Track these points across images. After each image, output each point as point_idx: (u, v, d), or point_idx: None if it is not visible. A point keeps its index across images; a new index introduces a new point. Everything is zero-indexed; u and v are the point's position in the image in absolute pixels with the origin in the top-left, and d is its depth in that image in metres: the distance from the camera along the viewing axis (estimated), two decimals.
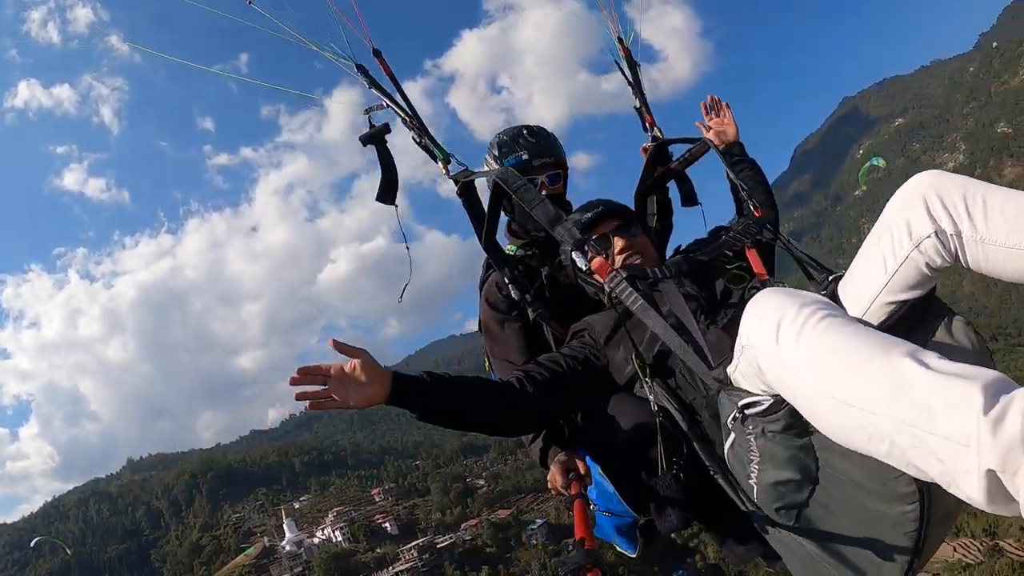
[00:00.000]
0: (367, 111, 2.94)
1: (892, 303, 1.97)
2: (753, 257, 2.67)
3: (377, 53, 3.14)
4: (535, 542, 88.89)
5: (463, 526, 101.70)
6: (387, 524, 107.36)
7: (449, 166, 2.95)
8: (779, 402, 1.74)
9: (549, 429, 2.74)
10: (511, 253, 3.18)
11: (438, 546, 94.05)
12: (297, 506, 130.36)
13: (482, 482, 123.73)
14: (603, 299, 2.49)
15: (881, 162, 55.89)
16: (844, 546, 1.89)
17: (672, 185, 3.48)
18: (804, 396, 1.58)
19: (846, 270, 2.22)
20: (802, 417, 1.65)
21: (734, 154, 3.33)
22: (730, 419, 1.90)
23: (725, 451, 2.02)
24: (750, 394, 1.82)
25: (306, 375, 1.98)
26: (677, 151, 3.44)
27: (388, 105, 3.02)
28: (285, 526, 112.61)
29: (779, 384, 1.65)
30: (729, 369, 1.87)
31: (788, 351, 1.58)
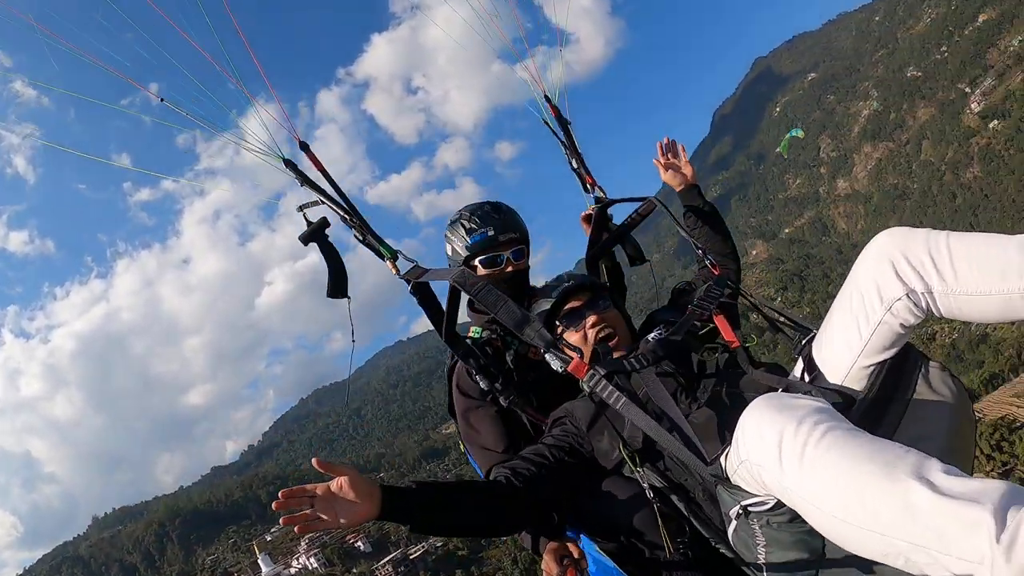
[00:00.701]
0: (301, 208, 2.84)
1: (870, 365, 2.00)
2: (721, 323, 2.60)
3: (304, 146, 2.99)
4: (504, 539, 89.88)
5: None
6: (359, 543, 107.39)
7: (398, 263, 2.81)
8: (781, 503, 1.75)
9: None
10: (475, 335, 3.13)
11: (411, 557, 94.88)
12: (269, 539, 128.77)
13: None
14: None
15: (800, 133, 58.01)
16: None
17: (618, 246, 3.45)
18: (814, 518, 1.59)
19: (817, 328, 2.26)
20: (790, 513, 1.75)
21: (691, 200, 3.32)
22: (732, 512, 1.92)
23: (729, 536, 2.03)
24: (750, 494, 1.83)
25: (291, 498, 1.84)
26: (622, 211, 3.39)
27: (323, 202, 2.88)
28: (260, 562, 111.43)
29: (785, 499, 1.68)
30: (728, 469, 1.89)
31: (792, 476, 1.58)
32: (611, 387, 2.22)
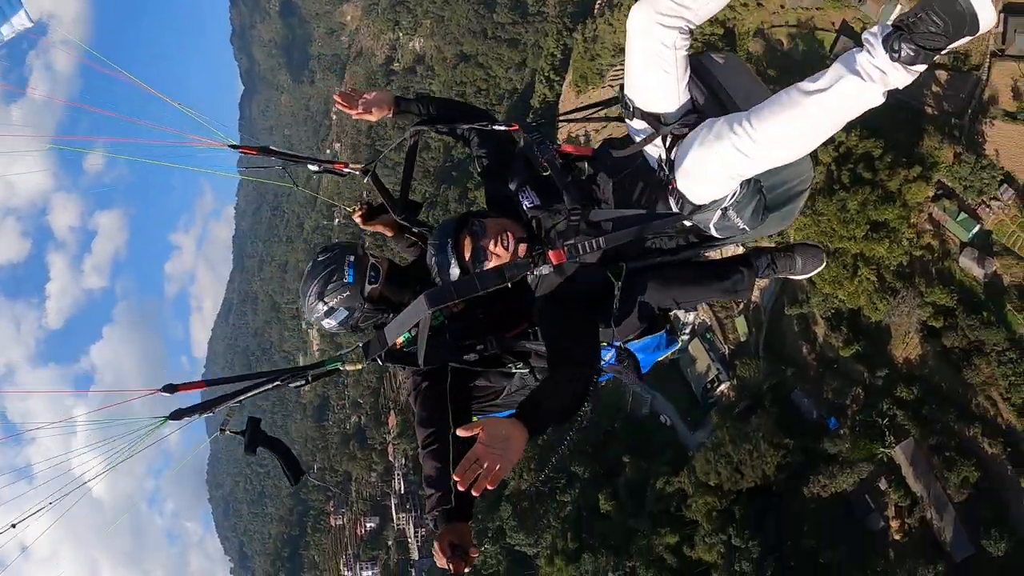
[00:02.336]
0: (223, 430, 2.72)
1: (686, 87, 2.79)
2: (571, 149, 3.32)
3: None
4: None
5: None
6: None
7: (357, 363, 2.86)
8: (741, 187, 2.70)
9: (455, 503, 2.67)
10: (405, 338, 3.11)
11: None
12: None
13: None
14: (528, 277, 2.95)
15: None
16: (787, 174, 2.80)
17: None
18: (782, 157, 2.49)
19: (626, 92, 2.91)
20: (748, 181, 2.69)
21: (407, 110, 3.53)
22: (714, 218, 2.82)
23: (714, 232, 2.93)
24: (720, 201, 2.75)
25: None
26: None
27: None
28: None
29: (754, 170, 2.58)
30: (689, 201, 2.75)
31: (757, 152, 2.45)
32: (588, 241, 2.82)
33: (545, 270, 2.79)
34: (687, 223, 2.91)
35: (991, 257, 28.49)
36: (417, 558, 71.66)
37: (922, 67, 2.19)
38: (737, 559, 34.18)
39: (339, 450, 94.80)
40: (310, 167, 3.65)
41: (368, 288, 3.12)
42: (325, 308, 3.11)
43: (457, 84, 79.77)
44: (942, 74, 30.76)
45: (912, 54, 2.14)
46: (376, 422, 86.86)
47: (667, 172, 2.86)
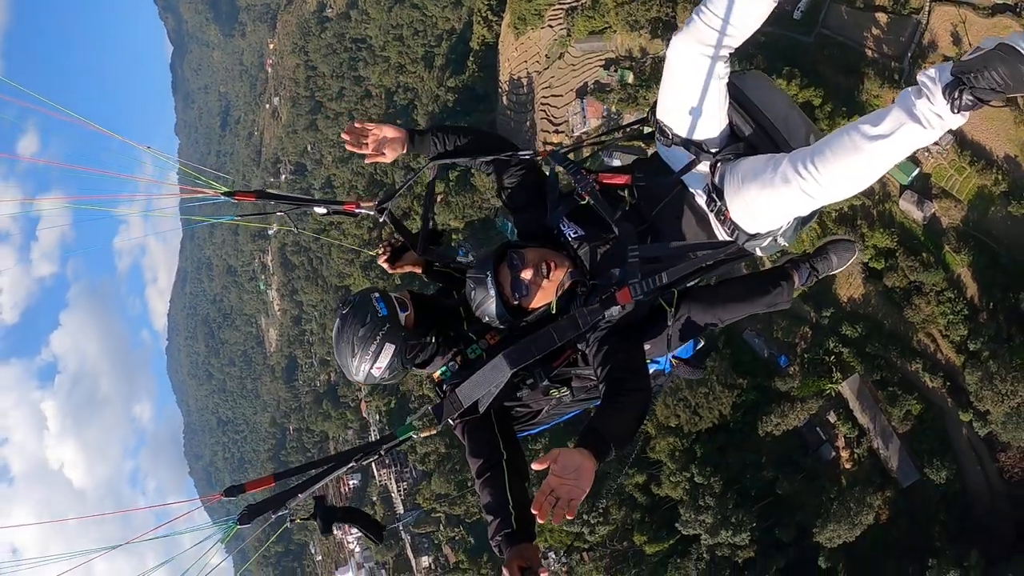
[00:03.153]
0: (292, 519, 2.61)
1: (727, 115, 2.91)
2: (610, 179, 3.22)
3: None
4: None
5: None
6: None
7: (431, 425, 2.81)
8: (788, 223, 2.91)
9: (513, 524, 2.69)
10: (445, 375, 3.09)
11: None
12: None
13: None
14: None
15: None
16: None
17: None
18: (846, 194, 2.61)
19: (665, 129, 2.99)
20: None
21: (425, 148, 3.34)
22: (764, 243, 2.97)
23: (760, 253, 3.12)
24: (774, 231, 2.92)
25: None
26: None
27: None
28: None
29: (814, 207, 2.70)
30: (753, 229, 2.86)
31: (821, 192, 2.56)
32: (652, 277, 2.82)
33: (616, 312, 2.77)
34: (737, 247, 3.01)
35: (930, 200, 29.20)
36: (402, 511, 73.49)
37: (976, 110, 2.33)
38: (701, 495, 35.99)
39: (312, 410, 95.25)
40: (316, 210, 3.41)
41: (403, 316, 3.00)
42: (373, 351, 2.92)
43: (393, 28, 76.67)
44: (882, 16, 30.67)
45: (971, 104, 2.25)
46: (346, 379, 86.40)
47: (716, 200, 2.92)
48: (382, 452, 2.75)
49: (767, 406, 34.75)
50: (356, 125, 3.18)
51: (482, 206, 55.43)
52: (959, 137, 28.00)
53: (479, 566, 55.81)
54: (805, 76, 31.52)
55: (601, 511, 41.41)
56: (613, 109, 44.57)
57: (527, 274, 2.87)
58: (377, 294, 3.02)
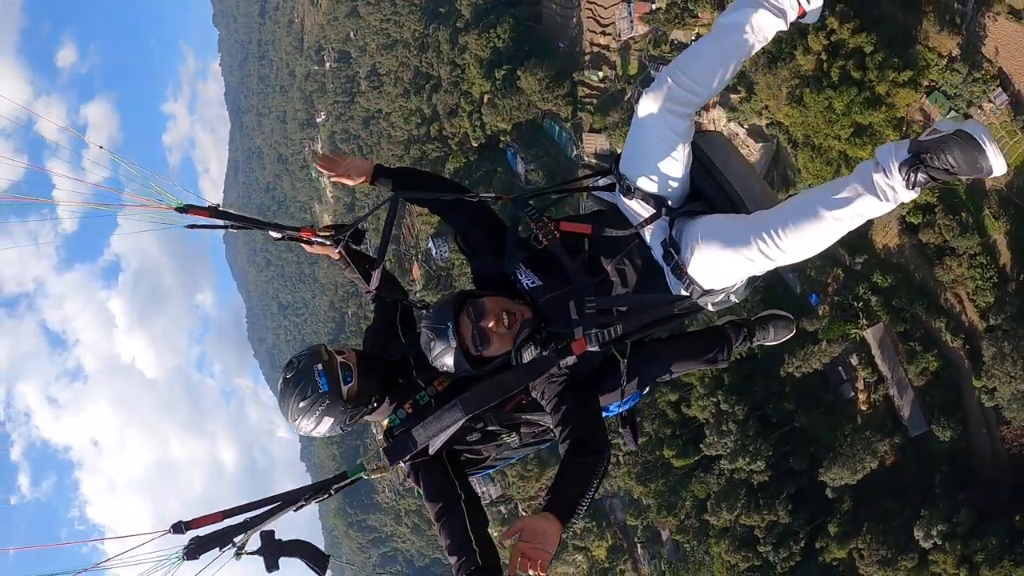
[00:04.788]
0: (238, 554, 2.57)
1: (686, 170, 3.02)
2: (571, 227, 3.19)
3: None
4: None
5: None
6: None
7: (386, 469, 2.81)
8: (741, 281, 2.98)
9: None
10: (393, 422, 3.15)
11: None
12: None
13: None
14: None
15: None
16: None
17: None
18: (803, 257, 2.71)
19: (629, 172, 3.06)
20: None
21: (385, 180, 3.38)
22: (717, 299, 3.03)
23: (711, 308, 3.13)
24: (729, 288, 2.99)
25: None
26: None
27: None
28: None
29: (767, 267, 2.78)
30: (709, 285, 2.92)
31: (780, 254, 2.66)
32: (608, 328, 2.85)
33: (570, 361, 2.81)
34: (689, 302, 3.07)
35: None
36: None
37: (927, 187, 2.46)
38: (725, 420, 38.47)
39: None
40: (271, 234, 3.41)
41: (345, 389, 3.03)
42: (311, 423, 3.02)
43: None
44: None
45: (923, 181, 2.37)
46: (401, 270, 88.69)
47: (674, 255, 3.01)
48: (332, 492, 2.78)
49: (791, 345, 36.03)
50: (331, 152, 3.57)
51: (528, 108, 54.44)
52: (1015, 99, 26.54)
53: None
54: (858, 17, 29.50)
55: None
56: (661, 17, 42.44)
57: (488, 324, 2.87)
58: (320, 365, 3.02)
